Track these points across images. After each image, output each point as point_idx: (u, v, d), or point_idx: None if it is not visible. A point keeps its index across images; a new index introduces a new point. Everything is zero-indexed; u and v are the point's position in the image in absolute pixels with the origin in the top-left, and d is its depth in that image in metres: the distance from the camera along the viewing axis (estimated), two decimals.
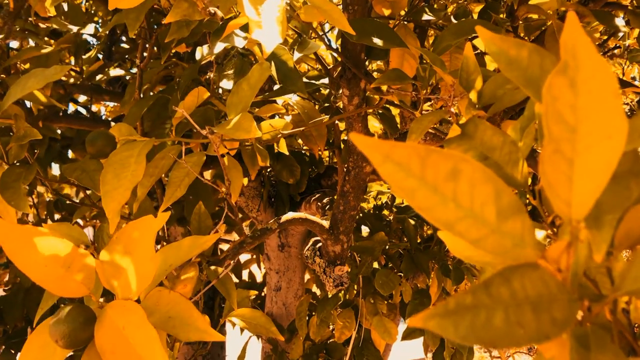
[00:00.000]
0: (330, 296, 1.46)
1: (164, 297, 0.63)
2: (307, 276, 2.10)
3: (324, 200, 1.49)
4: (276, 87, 0.93)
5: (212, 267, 0.89)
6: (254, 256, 2.20)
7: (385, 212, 1.99)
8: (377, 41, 0.77)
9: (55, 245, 0.58)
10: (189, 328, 0.61)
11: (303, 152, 1.70)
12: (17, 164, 0.84)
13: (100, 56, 1.51)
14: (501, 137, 0.47)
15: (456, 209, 0.29)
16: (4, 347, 1.59)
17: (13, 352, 1.60)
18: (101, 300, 0.62)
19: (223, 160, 0.84)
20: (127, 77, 1.44)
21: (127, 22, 0.76)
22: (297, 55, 0.92)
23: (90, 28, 1.48)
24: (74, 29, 1.23)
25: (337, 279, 1.13)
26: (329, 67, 1.15)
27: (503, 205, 0.29)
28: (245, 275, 2.25)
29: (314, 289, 2.19)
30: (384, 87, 0.90)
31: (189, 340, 0.62)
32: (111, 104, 2.20)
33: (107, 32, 1.38)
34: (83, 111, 1.78)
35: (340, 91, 1.09)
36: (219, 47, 0.84)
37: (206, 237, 0.68)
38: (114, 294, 0.61)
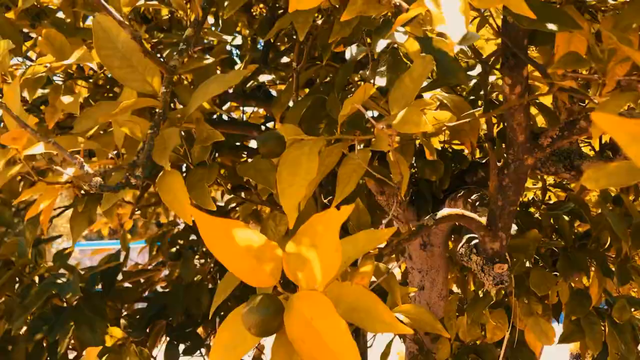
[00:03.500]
0: (482, 295, 1.41)
1: (346, 289, 0.64)
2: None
3: (473, 197, 1.45)
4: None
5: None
6: (393, 255, 2.20)
7: (532, 209, 1.90)
8: (552, 26, 0.73)
9: (249, 237, 0.61)
10: (375, 320, 0.61)
11: (445, 148, 1.66)
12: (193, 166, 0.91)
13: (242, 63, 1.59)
14: None
15: None
16: (168, 338, 1.73)
17: (176, 343, 1.73)
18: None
19: (389, 156, 0.84)
20: (276, 82, 1.51)
21: (297, 25, 0.79)
22: (456, 47, 0.90)
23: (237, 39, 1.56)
24: (228, 39, 1.30)
25: (497, 277, 1.09)
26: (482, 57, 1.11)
27: None
28: None
29: (455, 289, 2.14)
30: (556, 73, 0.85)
31: (376, 332, 0.62)
32: (249, 109, 2.31)
33: (253, 39, 1.45)
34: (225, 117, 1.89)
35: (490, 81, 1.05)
36: (382, 44, 0.84)
37: (382, 231, 0.68)
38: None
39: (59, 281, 1.51)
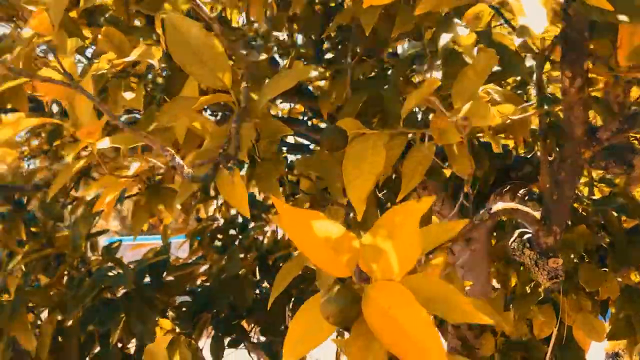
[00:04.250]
0: (530, 291, 1.41)
1: (422, 280, 0.65)
2: None
3: (521, 192, 1.44)
4: None
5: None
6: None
7: (575, 204, 1.88)
8: (623, 17, 0.73)
9: (328, 228, 0.62)
10: (454, 310, 0.62)
11: (489, 142, 1.65)
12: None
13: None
14: None
15: None
16: (213, 331, 1.76)
17: (221, 335, 1.76)
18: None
19: (453, 149, 0.85)
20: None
21: (364, 20, 0.80)
22: (517, 40, 0.90)
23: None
24: (281, 36, 1.32)
25: (552, 271, 1.09)
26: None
27: None
28: None
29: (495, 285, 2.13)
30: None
31: (455, 321, 0.63)
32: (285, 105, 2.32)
33: (302, 36, 1.46)
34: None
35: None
36: (445, 38, 0.85)
37: (455, 223, 0.69)
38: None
39: (110, 274, 1.55)
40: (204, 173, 0.62)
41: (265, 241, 2.21)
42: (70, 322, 1.56)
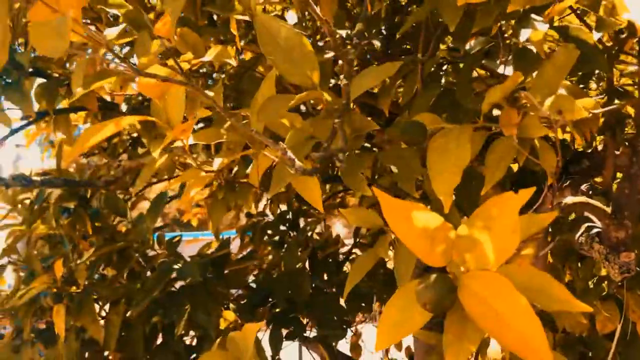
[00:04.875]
0: (592, 286, 1.40)
1: (516, 269, 0.67)
2: None
3: (584, 186, 1.43)
4: None
5: None
6: None
7: None
8: None
9: (427, 219, 0.65)
10: (551, 298, 0.64)
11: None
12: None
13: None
14: None
15: None
16: (271, 324, 1.80)
17: (278, 328, 1.80)
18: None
19: (535, 142, 0.86)
20: None
21: (447, 17, 0.81)
22: (596, 35, 0.91)
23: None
24: (342, 33, 1.34)
25: (624, 265, 1.09)
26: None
27: None
28: None
29: None
30: None
31: (551, 309, 0.65)
32: None
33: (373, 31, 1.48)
34: None
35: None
36: (525, 33, 0.86)
37: (544, 216, 0.70)
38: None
39: (175, 267, 1.60)
40: (311, 167, 0.64)
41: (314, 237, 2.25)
42: (133, 314, 1.61)
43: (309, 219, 2.13)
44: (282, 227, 2.28)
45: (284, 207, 2.35)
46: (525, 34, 0.87)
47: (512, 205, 0.63)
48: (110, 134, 0.80)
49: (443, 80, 1.27)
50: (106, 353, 1.73)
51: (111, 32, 1.10)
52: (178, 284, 1.72)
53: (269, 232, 2.29)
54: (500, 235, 0.64)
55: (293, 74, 0.79)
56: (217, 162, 1.00)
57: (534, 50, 0.98)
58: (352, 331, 2.23)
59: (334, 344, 1.87)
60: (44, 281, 1.63)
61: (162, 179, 2.34)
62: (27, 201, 2.14)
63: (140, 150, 2.31)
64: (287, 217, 2.30)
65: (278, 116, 0.81)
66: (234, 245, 2.60)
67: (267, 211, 2.52)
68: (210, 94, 1.10)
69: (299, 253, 2.12)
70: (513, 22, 0.99)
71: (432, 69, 1.36)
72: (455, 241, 0.66)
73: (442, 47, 1.44)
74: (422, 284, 0.66)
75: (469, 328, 0.66)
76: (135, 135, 2.32)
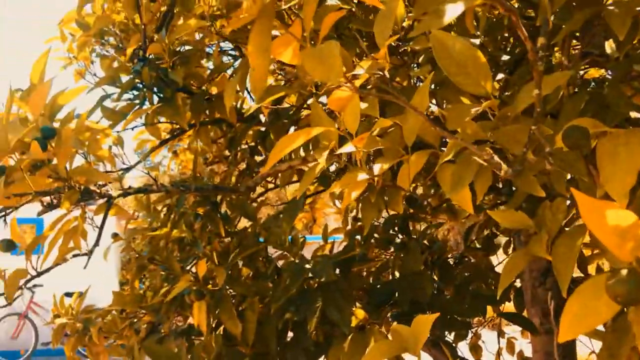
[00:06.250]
0: None
1: None
2: None
3: None
4: None
5: None
6: None
7: None
8: None
9: (620, 217, 0.69)
10: None
11: None
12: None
13: None
14: None
15: None
16: (394, 323, 1.86)
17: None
18: None
19: None
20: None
21: (616, 27, 0.85)
22: None
23: None
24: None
25: None
26: None
27: None
28: None
29: None
30: None
31: None
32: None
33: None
34: None
35: None
36: None
37: None
38: None
39: (307, 266, 1.71)
40: (512, 170, 0.71)
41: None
42: (271, 311, 1.73)
43: (420, 223, 2.18)
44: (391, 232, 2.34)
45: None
46: None
47: None
48: (302, 143, 0.90)
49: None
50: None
51: None
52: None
53: (376, 235, 2.36)
54: None
55: (467, 84, 0.86)
56: (377, 167, 1.08)
57: None
58: (472, 332, 2.26)
59: (454, 344, 1.91)
60: (187, 280, 1.78)
61: (279, 185, 2.48)
62: (156, 206, 2.34)
63: (257, 159, 2.45)
64: (396, 220, 2.36)
65: (462, 122, 0.88)
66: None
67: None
68: (364, 104, 1.19)
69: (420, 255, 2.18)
70: None
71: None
72: None
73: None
74: (613, 278, 0.71)
75: None
76: (252, 144, 2.47)
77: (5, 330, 9.34)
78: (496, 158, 0.68)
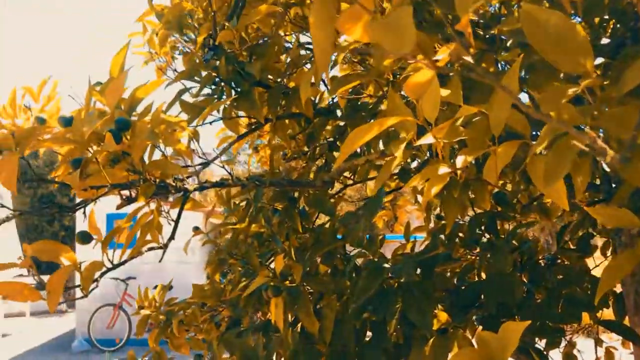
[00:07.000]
0: None
1: None
2: None
3: None
4: None
5: None
6: None
7: None
8: None
9: None
10: None
11: None
12: None
13: None
14: None
15: None
16: (482, 327, 1.75)
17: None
18: None
19: None
20: None
21: None
22: None
23: None
24: None
25: None
26: None
27: None
28: None
29: None
30: None
31: None
32: None
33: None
34: None
35: None
36: None
37: None
38: None
39: (386, 265, 1.64)
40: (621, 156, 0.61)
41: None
42: (350, 310, 1.67)
43: (508, 222, 2.05)
44: (477, 231, 2.22)
45: None
46: None
47: None
48: (376, 134, 0.84)
49: None
50: None
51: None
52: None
53: (461, 234, 2.24)
54: None
55: (564, 62, 0.76)
56: (460, 160, 0.99)
57: None
58: (566, 340, 2.10)
59: (546, 352, 1.77)
60: (265, 275, 1.76)
61: (357, 180, 2.42)
62: (235, 201, 2.35)
63: (336, 154, 2.41)
64: (482, 219, 2.24)
65: (558, 105, 0.78)
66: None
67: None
68: (446, 92, 1.10)
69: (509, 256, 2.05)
70: None
71: None
72: None
73: None
74: None
75: None
76: (331, 139, 2.43)
77: (102, 320, 9.96)
78: (600, 143, 0.59)
